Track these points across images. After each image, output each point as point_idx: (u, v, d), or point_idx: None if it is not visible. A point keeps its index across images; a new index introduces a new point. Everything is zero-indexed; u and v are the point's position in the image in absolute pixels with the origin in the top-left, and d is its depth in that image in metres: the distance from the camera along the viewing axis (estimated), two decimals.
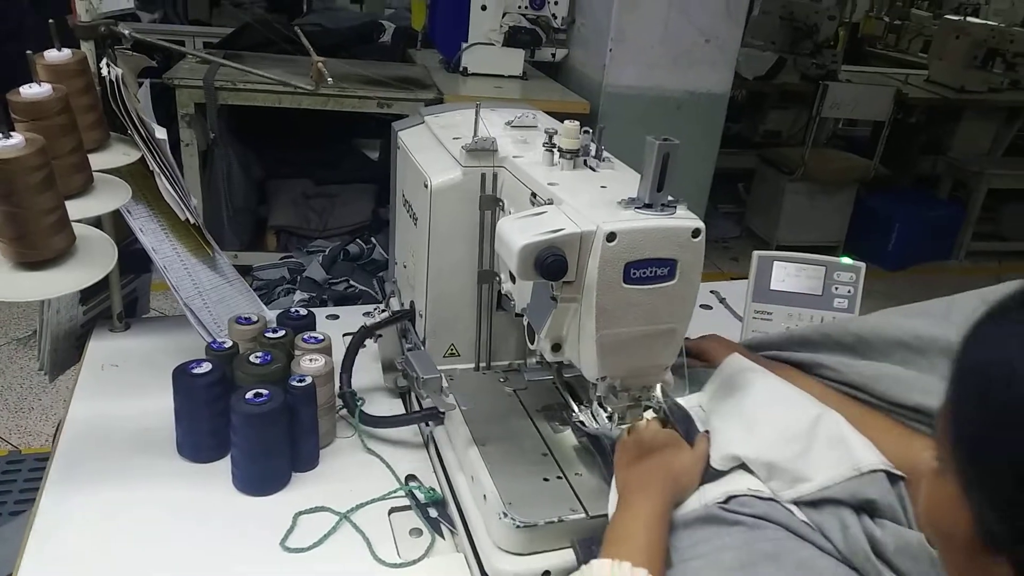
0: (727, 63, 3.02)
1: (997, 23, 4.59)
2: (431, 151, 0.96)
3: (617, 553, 0.68)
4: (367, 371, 1.10)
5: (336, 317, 1.28)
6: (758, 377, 0.85)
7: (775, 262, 1.18)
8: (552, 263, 0.70)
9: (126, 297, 1.19)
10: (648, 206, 0.74)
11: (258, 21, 3.21)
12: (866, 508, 0.71)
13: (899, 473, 0.73)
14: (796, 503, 0.73)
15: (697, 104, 3.04)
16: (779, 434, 0.77)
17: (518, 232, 0.71)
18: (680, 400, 0.86)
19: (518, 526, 0.77)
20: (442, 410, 0.93)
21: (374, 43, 3.18)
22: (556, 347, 0.80)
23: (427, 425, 0.99)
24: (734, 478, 0.78)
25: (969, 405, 0.47)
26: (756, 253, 1.19)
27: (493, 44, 2.97)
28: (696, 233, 0.74)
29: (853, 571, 0.68)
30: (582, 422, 0.85)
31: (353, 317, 1.25)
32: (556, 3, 3.05)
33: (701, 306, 1.45)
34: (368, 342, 1.06)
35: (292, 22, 3.51)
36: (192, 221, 1.05)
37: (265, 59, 2.79)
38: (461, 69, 2.97)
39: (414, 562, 0.82)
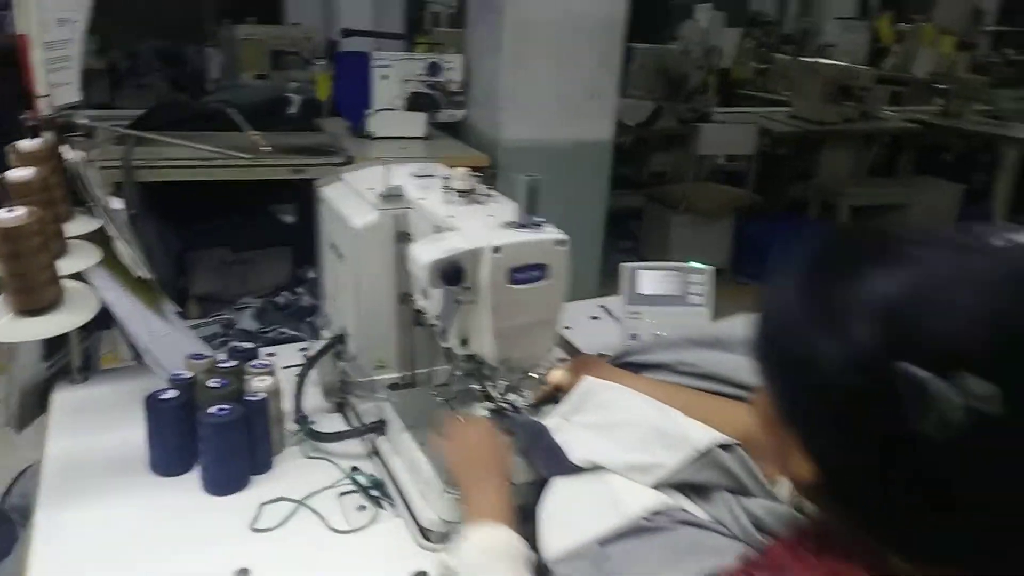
0: (608, 113, 3.36)
1: (845, 62, 5.17)
2: (351, 200, 1.18)
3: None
4: (307, 397, 1.27)
5: (274, 355, 1.45)
6: (608, 391, 1.01)
7: (639, 271, 1.44)
8: (452, 272, 0.91)
9: (83, 353, 1.34)
10: (523, 226, 0.97)
11: (167, 103, 3.37)
12: (724, 484, 0.90)
13: (732, 441, 0.92)
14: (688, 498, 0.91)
15: (585, 152, 3.35)
16: (628, 437, 0.93)
17: (424, 252, 0.93)
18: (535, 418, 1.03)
19: (456, 497, 0.96)
20: (383, 419, 1.13)
21: (282, 115, 3.37)
22: (464, 342, 1.01)
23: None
24: (647, 493, 0.94)
25: (767, 364, 0.60)
26: (623, 265, 1.45)
27: (396, 109, 3.22)
28: (560, 243, 0.97)
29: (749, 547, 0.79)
30: (499, 409, 1.06)
31: (290, 353, 1.43)
32: (451, 69, 3.34)
33: (592, 317, 1.70)
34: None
35: (199, 100, 3.68)
36: (145, 277, 1.22)
37: (181, 136, 2.94)
38: (367, 133, 3.20)
39: (362, 528, 1.00)
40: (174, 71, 5.45)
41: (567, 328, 1.54)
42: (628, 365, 1.17)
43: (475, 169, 1.07)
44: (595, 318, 1.72)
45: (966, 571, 0.53)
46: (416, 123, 3.23)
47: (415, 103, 3.17)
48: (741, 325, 1.09)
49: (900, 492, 0.51)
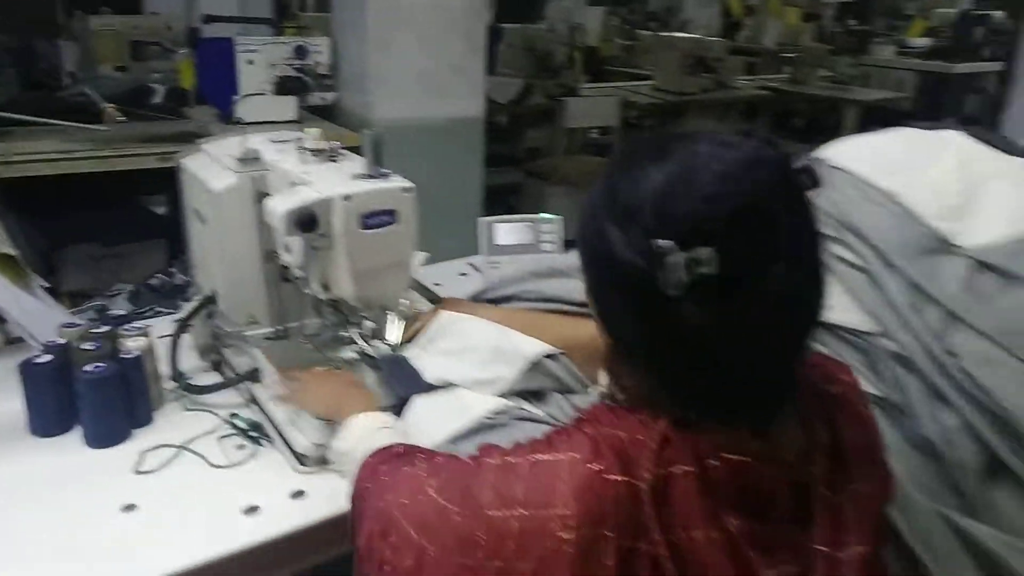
0: (477, 91, 3.48)
1: (700, 36, 5.50)
2: (210, 167, 1.25)
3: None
4: (184, 359, 1.34)
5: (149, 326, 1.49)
6: (458, 321, 1.17)
7: (495, 224, 1.57)
8: (306, 220, 1.01)
9: None
10: (371, 176, 1.08)
11: (21, 98, 3.24)
12: (553, 387, 1.05)
13: (556, 351, 1.08)
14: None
15: (458, 129, 3.47)
16: (474, 358, 1.10)
17: (280, 203, 1.02)
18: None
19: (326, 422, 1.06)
20: (256, 368, 1.21)
21: (147, 105, 3.31)
22: (325, 286, 1.11)
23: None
24: (491, 399, 1.08)
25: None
26: (480, 220, 1.58)
27: (265, 94, 3.23)
28: (407, 190, 1.09)
29: None
30: (366, 352, 1.17)
31: (164, 325, 1.48)
32: (319, 52, 3.36)
33: (460, 274, 1.82)
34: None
35: (56, 95, 3.55)
36: (12, 253, 1.25)
37: (35, 132, 2.86)
38: (236, 120, 3.19)
39: (242, 463, 1.09)
40: (25, 67, 5.16)
41: (437, 284, 1.66)
42: (484, 301, 1.31)
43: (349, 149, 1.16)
44: (463, 274, 1.84)
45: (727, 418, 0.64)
46: (286, 107, 3.25)
47: (283, 87, 3.19)
48: (574, 256, 1.25)
49: (667, 353, 0.63)
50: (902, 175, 1.10)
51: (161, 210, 3.43)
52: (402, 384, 1.08)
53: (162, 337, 1.35)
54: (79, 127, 2.62)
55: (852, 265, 1.05)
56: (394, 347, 1.20)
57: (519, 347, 1.08)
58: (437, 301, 1.39)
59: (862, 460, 0.68)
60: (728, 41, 5.51)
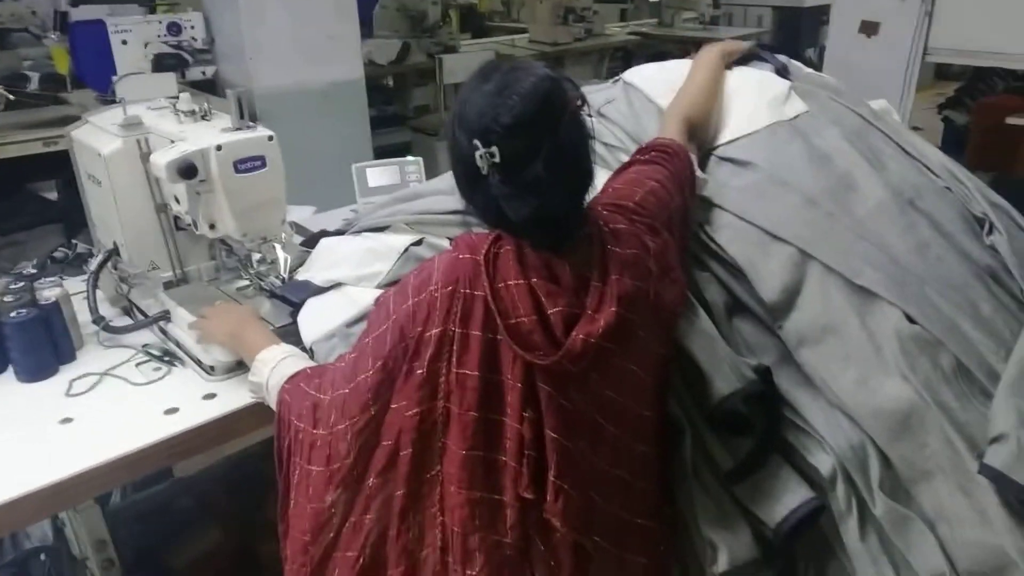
0: (353, 54, 3.64)
1: None
2: (98, 136, 1.43)
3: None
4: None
5: (63, 277, 1.66)
6: (333, 241, 1.44)
7: (366, 168, 1.80)
8: (186, 168, 1.22)
9: None
10: (239, 129, 1.29)
11: None
12: None
13: (418, 236, 1.36)
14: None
15: (339, 92, 3.62)
16: (353, 260, 1.36)
17: (162, 157, 1.23)
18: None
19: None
20: (167, 310, 1.42)
21: (22, 92, 3.33)
22: (212, 226, 1.32)
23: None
24: (374, 290, 1.34)
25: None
26: (353, 165, 1.80)
27: (143, 72, 3.30)
28: (270, 138, 1.30)
29: None
30: (262, 287, 1.40)
31: (75, 285, 1.65)
32: (192, 28, 3.44)
33: (343, 219, 2.04)
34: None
35: None
36: None
37: None
38: (118, 100, 3.26)
39: (159, 380, 1.31)
40: None
41: (323, 230, 1.88)
42: (363, 231, 1.54)
43: None
44: (346, 219, 2.06)
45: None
46: (166, 84, 3.31)
47: (161, 64, 3.27)
48: (428, 182, 1.51)
49: (482, 204, 0.97)
50: (674, 94, 1.40)
51: (53, 196, 3.48)
52: (294, 293, 1.32)
53: (74, 294, 1.54)
54: None
55: None
56: (284, 279, 1.42)
57: (389, 243, 1.34)
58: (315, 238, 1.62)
59: (628, 265, 0.99)
60: None
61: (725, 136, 1.34)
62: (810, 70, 1.56)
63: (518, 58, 5.09)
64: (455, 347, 0.94)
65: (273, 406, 1.11)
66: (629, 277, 0.97)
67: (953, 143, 4.59)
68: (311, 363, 1.17)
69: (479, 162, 0.90)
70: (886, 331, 1.09)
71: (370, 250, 1.34)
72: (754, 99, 1.39)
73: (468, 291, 0.94)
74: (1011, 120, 3.17)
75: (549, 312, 0.93)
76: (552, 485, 0.93)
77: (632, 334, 0.98)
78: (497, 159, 0.89)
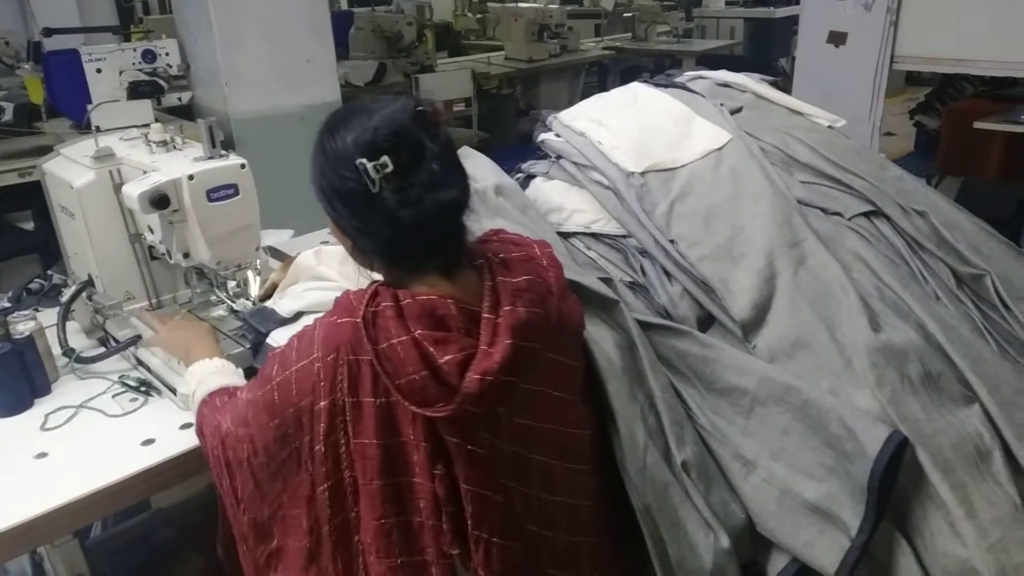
0: (330, 76, 3.66)
1: (540, 4, 5.81)
2: (69, 168, 1.43)
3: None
4: (73, 340, 1.52)
5: (38, 310, 1.65)
6: (306, 257, 1.45)
7: None
8: (158, 199, 1.22)
9: None
10: (211, 158, 1.30)
11: None
12: None
13: None
14: None
15: (317, 115, 3.55)
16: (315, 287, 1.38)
17: (134, 188, 1.23)
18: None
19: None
20: (139, 334, 1.41)
21: None
22: (186, 255, 1.33)
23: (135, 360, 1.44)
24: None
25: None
26: None
27: (118, 100, 3.30)
28: (242, 166, 1.31)
29: None
30: (235, 310, 1.40)
31: (49, 317, 1.64)
32: (167, 55, 3.44)
33: (322, 241, 2.05)
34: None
35: None
36: None
37: None
38: (94, 128, 3.25)
39: (135, 411, 1.30)
40: None
41: (299, 253, 1.88)
42: None
43: None
44: (324, 242, 2.07)
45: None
46: (141, 111, 3.30)
47: (136, 91, 3.27)
48: None
49: (378, 231, 0.95)
50: (603, 123, 1.44)
51: (29, 226, 3.46)
52: (261, 323, 1.32)
53: (48, 327, 1.53)
54: None
55: (602, 185, 1.35)
56: (255, 300, 1.43)
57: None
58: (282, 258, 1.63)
59: (522, 294, 0.97)
60: (566, 7, 5.82)
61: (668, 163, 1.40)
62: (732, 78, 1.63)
63: (494, 76, 5.13)
64: (348, 417, 0.92)
65: (195, 420, 1.14)
66: (523, 305, 0.96)
67: (925, 148, 4.67)
68: (236, 380, 1.19)
69: (372, 175, 0.89)
70: (855, 343, 1.11)
71: (342, 275, 1.36)
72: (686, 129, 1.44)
73: (352, 357, 0.92)
74: (979, 124, 3.23)
75: (440, 361, 0.90)
76: (472, 538, 0.92)
77: (535, 359, 0.97)
78: (390, 167, 0.90)
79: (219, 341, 1.32)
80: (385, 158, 0.90)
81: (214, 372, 1.17)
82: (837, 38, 3.37)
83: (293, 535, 1.00)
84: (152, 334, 1.33)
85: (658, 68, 6.69)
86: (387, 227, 0.94)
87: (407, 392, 0.90)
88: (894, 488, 1.02)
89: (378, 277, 1.02)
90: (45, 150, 2.98)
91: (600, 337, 1.10)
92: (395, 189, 0.91)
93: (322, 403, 0.93)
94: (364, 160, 0.90)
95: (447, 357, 0.90)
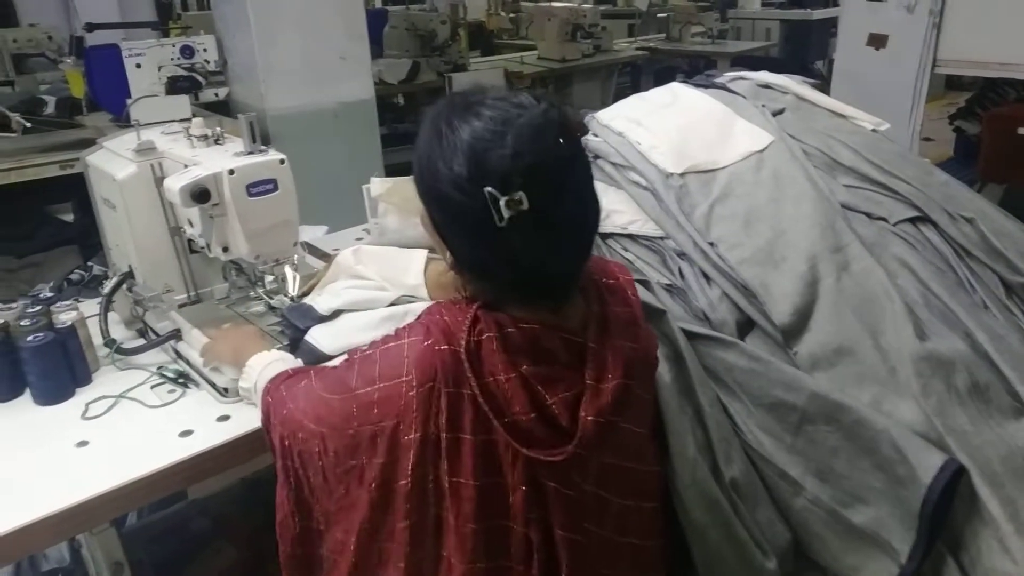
0: (364, 73, 3.68)
1: (574, 4, 5.79)
2: (113, 161, 1.45)
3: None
4: (113, 331, 1.53)
5: (79, 300, 1.68)
6: (351, 255, 1.45)
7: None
8: (199, 193, 1.24)
9: None
10: (251, 153, 1.31)
11: None
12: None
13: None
14: None
15: (351, 112, 3.66)
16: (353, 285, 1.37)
17: (175, 182, 1.24)
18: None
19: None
20: (178, 328, 1.43)
21: (39, 116, 3.38)
22: (225, 249, 1.34)
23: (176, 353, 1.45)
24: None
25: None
26: (364, 186, 1.81)
27: (157, 95, 3.35)
28: (282, 162, 1.32)
29: None
30: (272, 306, 1.41)
31: (90, 308, 1.67)
32: (205, 50, 3.48)
33: (356, 239, 2.06)
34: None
35: None
36: None
37: None
38: (133, 122, 3.30)
39: (174, 402, 1.32)
40: None
41: (335, 250, 1.89)
42: None
43: None
44: (359, 239, 2.08)
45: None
46: (180, 106, 3.36)
47: (174, 87, 3.31)
48: None
49: (494, 264, 0.86)
50: (641, 123, 1.43)
51: (69, 217, 3.53)
52: (299, 318, 1.33)
53: (89, 317, 1.55)
54: None
55: (640, 186, 1.34)
56: (293, 298, 1.43)
57: (403, 278, 1.34)
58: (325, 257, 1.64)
59: (623, 325, 0.94)
60: (600, 7, 5.80)
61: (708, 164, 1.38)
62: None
63: (526, 75, 5.12)
64: (444, 453, 0.85)
65: (259, 408, 1.09)
66: (628, 340, 0.92)
67: (964, 154, 4.57)
68: (299, 364, 1.16)
69: (503, 212, 0.77)
70: (899, 351, 1.09)
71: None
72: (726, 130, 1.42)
73: (451, 389, 0.84)
74: (1023, 131, 3.16)
75: (550, 402, 0.84)
76: None
77: (633, 399, 0.93)
78: (525, 205, 0.78)
79: (266, 341, 1.32)
80: (521, 195, 0.78)
81: (270, 363, 1.16)
82: (878, 40, 3.31)
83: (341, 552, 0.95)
84: (204, 345, 1.33)
85: (692, 69, 6.63)
86: (503, 268, 0.84)
87: (513, 433, 0.84)
88: (948, 517, 0.99)
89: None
90: (86, 143, 3.03)
91: None
92: (524, 230, 0.79)
93: (413, 435, 0.85)
94: (495, 191, 0.78)
95: (556, 397, 0.85)
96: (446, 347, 0.86)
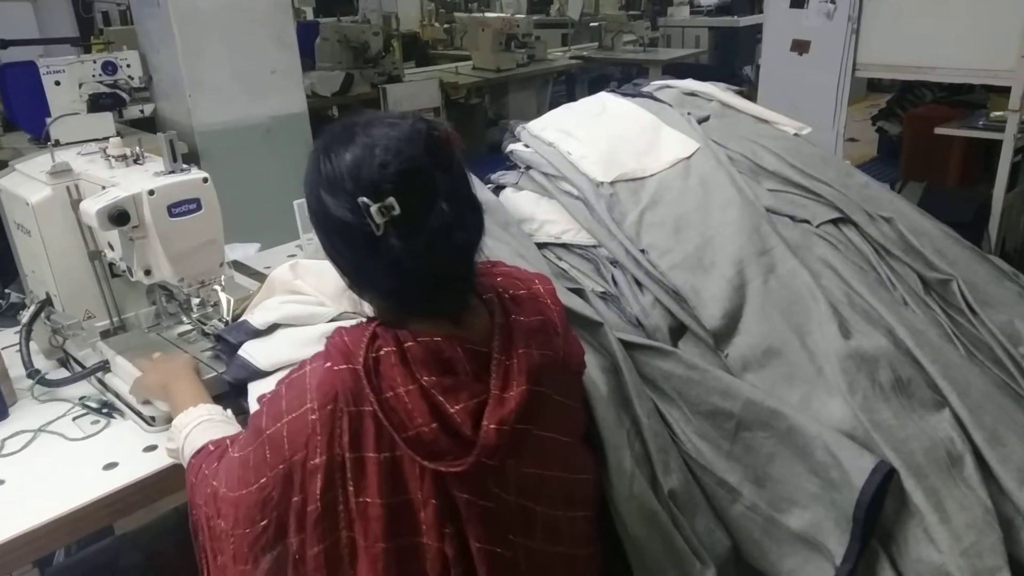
0: (295, 86, 3.62)
1: (508, 14, 5.82)
2: (25, 183, 1.39)
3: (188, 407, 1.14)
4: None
5: None
6: (283, 272, 1.41)
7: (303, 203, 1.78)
8: (117, 215, 1.19)
9: None
10: (172, 172, 1.27)
11: None
12: None
13: None
14: None
15: (283, 125, 3.59)
16: (300, 302, 1.34)
17: (92, 204, 1.20)
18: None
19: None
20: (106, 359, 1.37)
21: None
22: (147, 272, 1.29)
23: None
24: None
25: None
26: (295, 203, 1.78)
27: (78, 113, 3.23)
28: (205, 180, 1.28)
29: None
30: (199, 328, 1.36)
31: (7, 337, 1.59)
32: (129, 66, 3.38)
33: (289, 255, 2.02)
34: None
35: None
36: None
37: None
38: (53, 142, 3.17)
39: (97, 433, 1.26)
40: None
41: (267, 268, 1.85)
42: None
43: None
44: (291, 255, 2.04)
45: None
46: (103, 124, 3.25)
47: (96, 104, 3.20)
48: None
49: (378, 275, 0.87)
50: (571, 133, 1.44)
51: None
52: (231, 334, 1.29)
53: (5, 348, 1.48)
54: None
55: (571, 196, 1.35)
56: (228, 322, 1.39)
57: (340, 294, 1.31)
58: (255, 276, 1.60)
59: (531, 333, 0.92)
60: (533, 16, 5.85)
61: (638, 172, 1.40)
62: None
63: (462, 85, 5.13)
64: (349, 474, 0.85)
65: (187, 480, 1.04)
66: (536, 347, 0.91)
67: (887, 153, 4.75)
68: (224, 427, 1.11)
69: (376, 219, 0.80)
70: (826, 350, 1.12)
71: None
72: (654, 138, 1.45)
73: (352, 408, 0.84)
74: (940, 130, 3.29)
75: (452, 411, 0.84)
76: None
77: (545, 404, 0.92)
78: (397, 211, 0.81)
79: (200, 372, 1.27)
80: (391, 200, 0.81)
81: (199, 423, 1.09)
82: (800, 46, 3.42)
83: None
84: (135, 379, 1.27)
85: (625, 77, 6.74)
86: (390, 276, 0.86)
87: (416, 446, 0.84)
88: (880, 517, 1.01)
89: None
90: (2, 165, 2.91)
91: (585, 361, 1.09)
92: (401, 235, 0.82)
93: (317, 459, 0.84)
94: (367, 200, 0.81)
95: (458, 406, 0.84)
96: (345, 366, 0.86)
